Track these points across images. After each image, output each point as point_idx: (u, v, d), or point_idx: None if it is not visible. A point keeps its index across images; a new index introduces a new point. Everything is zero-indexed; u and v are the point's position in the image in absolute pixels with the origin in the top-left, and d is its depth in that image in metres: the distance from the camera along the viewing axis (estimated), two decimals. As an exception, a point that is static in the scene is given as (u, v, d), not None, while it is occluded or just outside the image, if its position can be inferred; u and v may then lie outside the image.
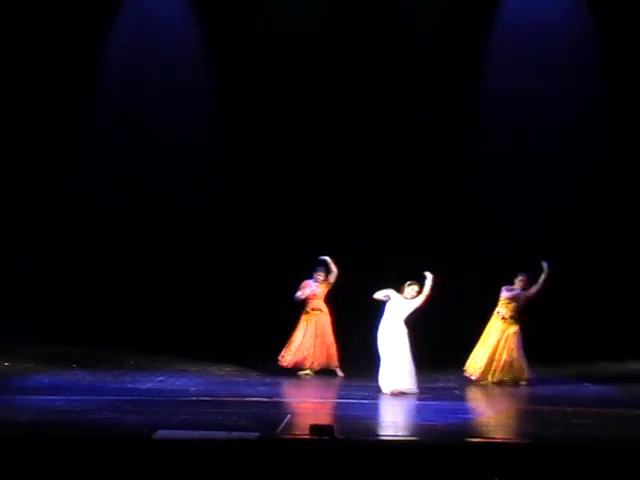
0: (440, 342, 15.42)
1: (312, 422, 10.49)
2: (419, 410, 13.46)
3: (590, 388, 14.35)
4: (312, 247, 16.51)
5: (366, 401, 13.13)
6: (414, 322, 15.52)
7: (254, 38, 17.58)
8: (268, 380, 14.45)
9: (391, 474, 9.17)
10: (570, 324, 16.78)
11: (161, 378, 14.68)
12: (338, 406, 13.18)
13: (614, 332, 16.69)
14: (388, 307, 13.85)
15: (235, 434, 10.38)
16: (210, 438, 10.24)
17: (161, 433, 10.20)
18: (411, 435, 11.43)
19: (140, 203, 17.69)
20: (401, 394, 13.57)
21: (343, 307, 15.48)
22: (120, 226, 17.68)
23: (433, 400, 13.52)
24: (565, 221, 17.37)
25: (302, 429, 10.67)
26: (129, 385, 14.09)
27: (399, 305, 13.82)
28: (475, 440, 10.66)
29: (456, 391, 14.29)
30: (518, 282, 15.00)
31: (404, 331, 13.80)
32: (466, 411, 12.74)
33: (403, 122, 17.49)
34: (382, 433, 11.02)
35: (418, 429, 12.12)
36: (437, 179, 17.52)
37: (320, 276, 15.50)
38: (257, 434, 10.39)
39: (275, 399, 13.71)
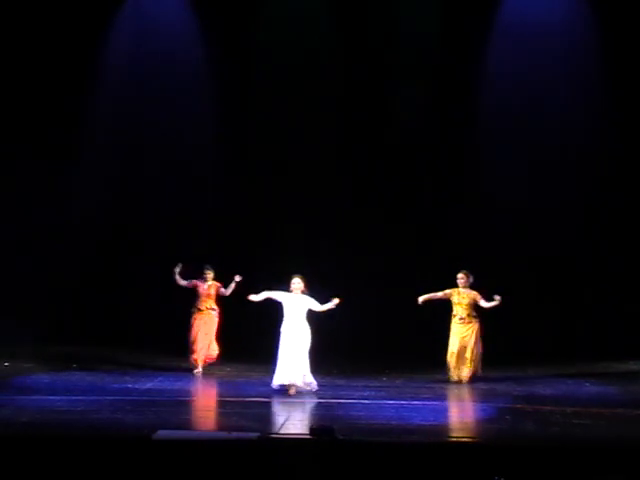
0: (439, 342, 15.40)
1: (312, 422, 10.51)
2: (418, 410, 13.48)
3: (590, 388, 14.35)
4: (311, 247, 16.55)
5: (366, 401, 13.13)
6: (420, 321, 15.55)
7: (255, 38, 17.58)
8: (268, 380, 14.43)
9: (391, 474, 9.18)
10: (570, 324, 16.78)
11: (161, 378, 14.68)
12: (338, 406, 13.17)
13: (614, 332, 16.69)
14: (284, 307, 13.81)
15: (235, 434, 10.39)
16: (210, 438, 10.25)
17: (161, 433, 10.20)
18: (410, 435, 11.44)
19: (140, 204, 17.68)
20: (290, 389, 13.62)
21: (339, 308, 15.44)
22: (120, 226, 17.68)
23: (432, 400, 13.53)
24: (565, 220, 17.37)
25: (302, 429, 10.68)
26: (129, 385, 14.08)
27: (291, 302, 13.78)
28: (475, 440, 10.67)
29: (456, 390, 14.29)
30: (461, 281, 14.79)
31: (303, 328, 13.73)
32: (465, 411, 12.73)
33: (402, 121, 17.51)
34: (382, 433, 11.00)
35: (417, 429, 12.14)
36: (436, 179, 17.51)
37: (209, 275, 15.46)
38: (257, 434, 10.40)
39: (275, 399, 13.72)
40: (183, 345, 16.09)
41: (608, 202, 17.33)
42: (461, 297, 14.82)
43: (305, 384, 13.75)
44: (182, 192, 17.79)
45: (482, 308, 14.76)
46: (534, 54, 17.35)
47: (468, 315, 14.82)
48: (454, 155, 17.51)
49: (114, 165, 17.85)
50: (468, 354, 14.76)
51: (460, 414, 12.62)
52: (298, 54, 17.48)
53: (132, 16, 17.71)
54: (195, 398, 13.46)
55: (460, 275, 14.81)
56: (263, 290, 13.95)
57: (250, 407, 13.13)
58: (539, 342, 16.62)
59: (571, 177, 17.40)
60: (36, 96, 17.37)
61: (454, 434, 11.19)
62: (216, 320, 15.55)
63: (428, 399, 13.70)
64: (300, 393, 13.72)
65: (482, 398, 13.47)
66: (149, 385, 14.15)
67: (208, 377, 15.16)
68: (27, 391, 13.38)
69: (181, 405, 12.62)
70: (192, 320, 15.53)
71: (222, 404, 13.63)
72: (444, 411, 13.33)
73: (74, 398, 12.88)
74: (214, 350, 15.48)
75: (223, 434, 10.49)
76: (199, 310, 15.53)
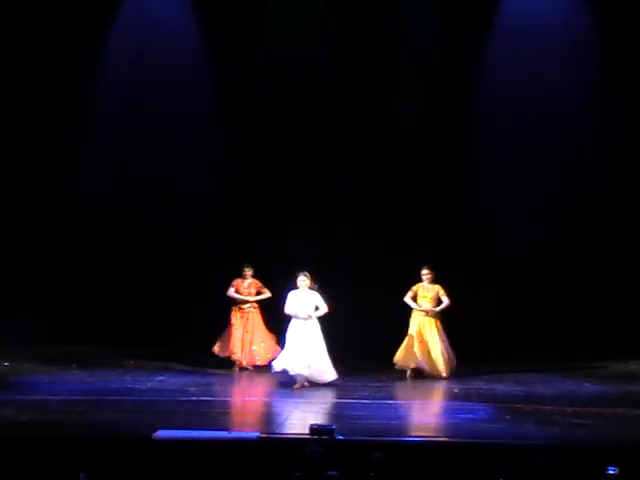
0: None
1: (312, 422, 10.51)
2: (418, 410, 13.48)
3: (590, 388, 14.35)
4: (309, 246, 16.54)
5: (366, 401, 13.14)
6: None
7: (255, 38, 17.56)
8: (268, 380, 14.45)
9: (391, 474, 9.17)
10: (570, 324, 16.77)
11: (161, 378, 14.67)
12: (338, 406, 13.19)
13: (614, 332, 16.68)
14: (293, 304, 14.31)
15: (235, 434, 10.40)
16: (210, 438, 10.26)
17: (161, 433, 10.21)
18: (410, 435, 11.44)
19: (140, 203, 17.66)
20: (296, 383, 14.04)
21: (339, 308, 15.44)
22: (120, 226, 17.67)
23: (432, 400, 13.53)
24: (564, 220, 17.35)
25: (302, 429, 10.68)
26: (129, 385, 14.08)
27: (298, 299, 14.29)
28: (475, 440, 10.66)
29: (455, 390, 14.29)
30: (426, 276, 15.15)
31: (311, 324, 14.22)
32: (465, 411, 12.73)
33: (402, 121, 17.50)
34: (382, 433, 11.01)
35: (417, 429, 12.14)
36: (435, 179, 17.50)
37: (248, 273, 15.60)
38: (257, 434, 10.41)
39: (275, 399, 13.73)
40: (183, 345, 16.12)
41: (608, 201, 17.30)
42: (425, 291, 15.13)
43: (316, 375, 14.08)
44: (182, 192, 17.77)
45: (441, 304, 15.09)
46: (534, 54, 17.31)
47: (431, 310, 15.09)
48: (453, 155, 17.49)
49: (113, 164, 17.82)
50: (437, 350, 14.90)
51: (459, 414, 12.60)
52: (298, 53, 17.45)
53: (132, 14, 17.68)
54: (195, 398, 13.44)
55: (425, 271, 15.15)
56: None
57: (250, 407, 13.16)
58: (539, 342, 16.60)
59: (571, 177, 17.39)
60: (36, 95, 17.35)
61: (453, 434, 11.18)
62: (259, 317, 15.58)
63: (427, 399, 13.72)
64: (303, 389, 13.80)
65: (482, 398, 13.46)
66: (149, 385, 14.14)
67: (213, 375, 15.18)
68: (27, 391, 13.38)
69: (181, 405, 12.62)
70: (231, 318, 15.58)
71: (222, 404, 13.65)
72: (443, 411, 13.36)
73: (74, 398, 12.88)
74: (264, 351, 15.38)
75: (223, 434, 10.50)
76: (240, 309, 15.59)
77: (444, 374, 14.87)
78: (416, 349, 14.94)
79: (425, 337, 15.02)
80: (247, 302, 15.59)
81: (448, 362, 14.98)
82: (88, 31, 17.44)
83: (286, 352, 14.28)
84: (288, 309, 14.35)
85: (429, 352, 14.95)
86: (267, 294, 15.62)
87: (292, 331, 14.34)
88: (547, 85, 17.33)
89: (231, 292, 15.63)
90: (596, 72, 17.26)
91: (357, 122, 17.50)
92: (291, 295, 14.41)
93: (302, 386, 14.04)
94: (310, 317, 14.21)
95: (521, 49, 17.32)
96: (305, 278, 14.36)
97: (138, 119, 17.80)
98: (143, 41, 17.75)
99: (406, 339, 15.04)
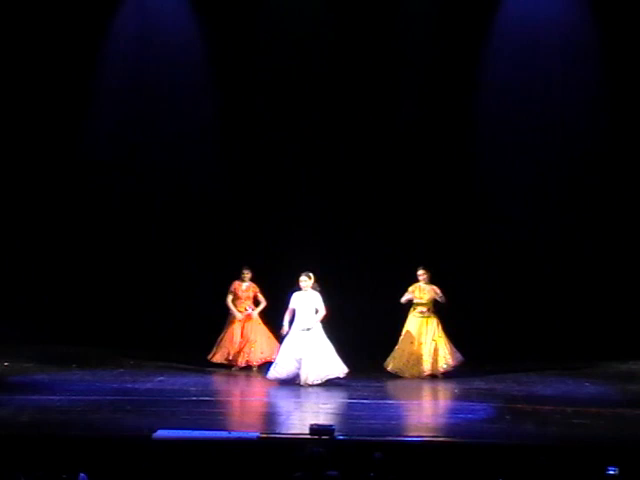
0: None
1: (312, 422, 10.51)
2: (418, 410, 13.48)
3: (590, 388, 14.35)
4: (310, 246, 16.55)
5: (366, 401, 13.14)
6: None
7: (255, 37, 17.56)
8: (268, 380, 14.45)
9: (391, 474, 9.18)
10: (570, 323, 16.78)
11: (161, 378, 14.67)
12: (338, 406, 13.19)
13: (614, 332, 16.68)
14: (296, 306, 14.35)
15: (235, 434, 10.41)
16: (210, 438, 10.27)
17: (161, 433, 10.22)
18: (410, 435, 11.45)
19: (140, 204, 17.66)
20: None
21: (338, 308, 15.45)
22: (120, 226, 17.66)
23: (432, 400, 13.51)
24: (564, 220, 17.35)
25: (302, 429, 10.69)
26: (129, 385, 14.07)
27: (300, 300, 14.33)
28: (475, 440, 10.67)
29: (455, 390, 14.29)
30: (422, 277, 15.19)
31: (307, 325, 14.23)
32: (465, 411, 12.74)
33: (402, 121, 17.50)
34: (382, 433, 11.02)
35: (417, 429, 12.14)
36: (435, 180, 17.50)
37: (246, 275, 15.51)
38: (257, 434, 10.41)
39: (275, 399, 13.73)
40: (183, 345, 16.12)
41: (609, 201, 17.29)
42: (422, 292, 15.13)
43: (314, 376, 14.04)
44: (183, 192, 17.77)
45: (439, 304, 15.11)
46: (534, 54, 17.31)
47: (428, 310, 15.10)
48: (453, 155, 17.48)
49: (113, 166, 17.80)
50: (427, 350, 14.91)
51: (459, 414, 12.61)
52: (298, 53, 17.43)
53: (133, 16, 17.68)
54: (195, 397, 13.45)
55: (421, 272, 15.15)
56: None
57: (250, 407, 13.16)
58: (539, 342, 16.61)
59: (571, 177, 17.39)
60: (37, 93, 17.35)
61: (454, 434, 11.18)
62: (259, 320, 15.46)
63: (427, 399, 13.70)
64: (301, 390, 13.83)
65: (482, 398, 13.47)
66: (149, 385, 14.13)
67: (213, 375, 15.19)
68: (27, 391, 13.38)
69: (181, 405, 12.61)
70: (229, 321, 15.51)
71: (222, 404, 13.65)
72: (443, 411, 13.35)
73: (74, 398, 12.88)
74: (264, 353, 15.27)
75: (223, 434, 10.50)
76: (238, 311, 15.48)
77: (425, 373, 14.84)
78: (406, 353, 14.96)
79: (420, 339, 14.96)
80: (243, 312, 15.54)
81: (452, 356, 14.92)
82: (88, 33, 17.42)
83: (278, 360, 14.29)
84: (287, 319, 14.36)
85: (419, 352, 14.91)
86: (263, 303, 15.49)
87: (289, 337, 14.31)
88: (547, 85, 17.32)
89: (229, 301, 15.49)
90: (596, 72, 17.26)
91: (357, 122, 17.49)
92: (294, 296, 14.38)
93: (298, 382, 14.07)
94: (309, 329, 14.21)
95: (521, 49, 17.31)
96: (307, 278, 14.36)
97: (138, 119, 17.80)
98: (144, 42, 17.74)
99: (397, 346, 15.03)
